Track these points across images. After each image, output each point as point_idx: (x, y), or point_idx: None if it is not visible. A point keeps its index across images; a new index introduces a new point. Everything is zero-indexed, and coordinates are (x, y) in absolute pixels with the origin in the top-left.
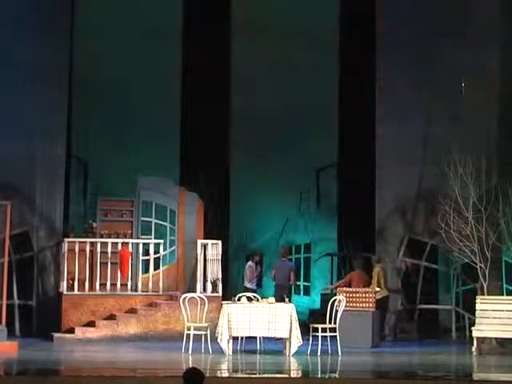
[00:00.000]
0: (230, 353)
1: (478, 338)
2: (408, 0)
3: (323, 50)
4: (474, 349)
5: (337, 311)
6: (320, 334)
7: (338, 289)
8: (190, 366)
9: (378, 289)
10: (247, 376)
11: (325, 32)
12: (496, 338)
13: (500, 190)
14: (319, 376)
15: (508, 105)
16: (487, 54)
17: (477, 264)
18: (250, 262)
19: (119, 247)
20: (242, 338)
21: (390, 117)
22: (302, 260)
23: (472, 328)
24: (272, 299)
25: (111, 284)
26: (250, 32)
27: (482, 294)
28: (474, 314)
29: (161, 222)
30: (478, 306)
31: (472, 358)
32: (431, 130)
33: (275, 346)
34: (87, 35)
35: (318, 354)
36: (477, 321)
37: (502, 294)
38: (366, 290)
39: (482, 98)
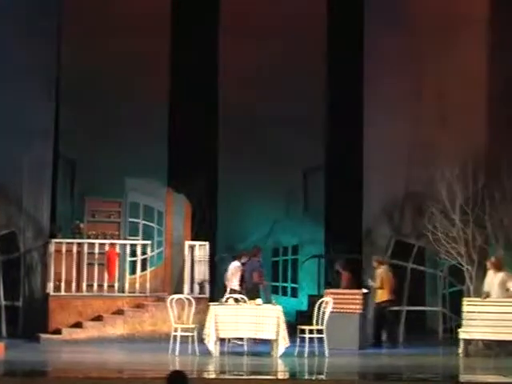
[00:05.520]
0: (217, 354)
1: (464, 340)
2: (396, 1)
3: (311, 50)
4: (460, 351)
5: (324, 313)
6: (307, 335)
7: (325, 290)
8: (177, 367)
9: (365, 290)
10: (234, 377)
11: (312, 32)
12: (482, 340)
13: (487, 192)
14: (306, 377)
15: (495, 107)
16: (475, 56)
17: (463, 266)
18: (235, 262)
19: (106, 248)
20: (229, 339)
21: (377, 119)
22: (289, 262)
23: (459, 330)
24: (259, 301)
25: (98, 285)
26: (238, 32)
27: (469, 296)
28: (460, 315)
29: (148, 223)
30: (464, 308)
31: (458, 360)
32: (419, 132)
33: (259, 347)
34: (75, 36)
35: (305, 355)
36: (463, 323)
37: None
38: (354, 291)
39: (470, 99)
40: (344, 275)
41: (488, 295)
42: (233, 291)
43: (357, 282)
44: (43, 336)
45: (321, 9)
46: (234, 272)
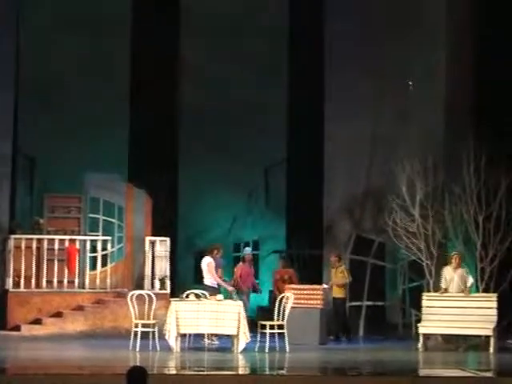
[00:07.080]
0: (178, 350)
1: (424, 335)
2: (356, 1)
3: (273, 48)
4: (419, 345)
5: (285, 308)
6: (268, 330)
7: (286, 286)
8: (138, 363)
9: (326, 286)
10: (195, 373)
11: (274, 32)
12: (442, 335)
13: (446, 187)
14: (267, 373)
15: (454, 103)
16: (433, 53)
17: (423, 261)
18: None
19: (66, 244)
20: (189, 335)
21: (338, 115)
22: None
23: (418, 324)
24: (220, 296)
25: (58, 281)
26: (199, 30)
27: (429, 291)
28: (420, 310)
29: (109, 219)
30: (424, 303)
31: (418, 354)
32: (379, 128)
33: (222, 343)
34: (34, 30)
35: (266, 350)
36: (423, 317)
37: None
38: (314, 287)
39: (429, 96)
40: (289, 272)
41: (446, 291)
42: (208, 287)
43: (298, 279)
44: (2, 332)
45: (283, 8)
46: (209, 267)
